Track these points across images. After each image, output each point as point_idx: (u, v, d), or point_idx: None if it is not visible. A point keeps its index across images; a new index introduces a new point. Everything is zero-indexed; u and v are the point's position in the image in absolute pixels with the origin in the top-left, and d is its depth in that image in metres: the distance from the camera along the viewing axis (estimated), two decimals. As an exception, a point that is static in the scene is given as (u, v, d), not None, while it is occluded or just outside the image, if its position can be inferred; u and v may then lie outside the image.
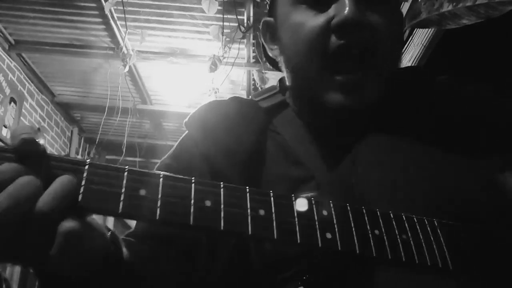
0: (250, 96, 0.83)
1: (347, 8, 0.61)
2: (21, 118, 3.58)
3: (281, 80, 0.80)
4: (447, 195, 0.58)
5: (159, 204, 0.43)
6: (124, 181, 0.43)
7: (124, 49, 3.10)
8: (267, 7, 0.79)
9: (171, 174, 0.46)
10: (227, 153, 0.68)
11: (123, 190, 0.42)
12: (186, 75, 3.55)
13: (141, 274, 0.57)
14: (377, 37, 0.63)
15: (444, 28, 1.40)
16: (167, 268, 0.62)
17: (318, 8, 0.65)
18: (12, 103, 3.45)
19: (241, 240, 0.63)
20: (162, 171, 0.72)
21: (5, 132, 3.43)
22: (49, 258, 0.41)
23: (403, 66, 0.84)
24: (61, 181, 0.41)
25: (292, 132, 0.73)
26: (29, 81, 3.70)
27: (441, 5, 1.34)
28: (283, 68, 0.74)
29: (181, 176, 0.46)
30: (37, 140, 0.42)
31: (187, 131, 0.76)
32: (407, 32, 2.20)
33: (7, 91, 3.35)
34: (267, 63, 0.87)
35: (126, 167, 0.44)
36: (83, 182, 0.42)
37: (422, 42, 2.04)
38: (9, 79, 3.39)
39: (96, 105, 3.92)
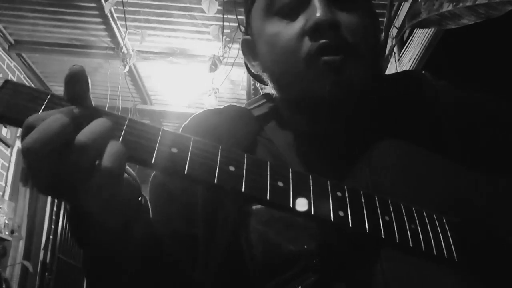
0: (244, 105, 0.84)
1: (318, 11, 0.63)
2: (21, 118, 3.58)
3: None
4: (454, 198, 0.59)
5: (187, 161, 0.47)
6: (159, 138, 0.48)
7: (124, 49, 3.10)
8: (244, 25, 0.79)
9: (201, 139, 0.50)
10: None
11: (157, 144, 0.47)
12: (186, 75, 3.55)
13: (159, 240, 0.60)
14: (351, 35, 0.64)
15: (444, 28, 1.40)
16: (167, 262, 0.63)
17: (290, 17, 0.67)
18: (12, 103, 3.44)
19: (233, 241, 0.63)
20: (157, 179, 0.74)
21: (5, 132, 3.43)
22: (84, 193, 0.45)
23: (402, 70, 0.84)
24: (100, 121, 0.45)
25: (283, 139, 0.73)
26: (29, 81, 3.70)
27: (441, 5, 1.34)
28: (268, 80, 0.74)
29: (209, 142, 0.50)
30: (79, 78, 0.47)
31: None
32: (407, 32, 2.20)
33: (7, 91, 3.35)
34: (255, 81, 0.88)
35: (162, 127, 0.49)
36: (122, 133, 0.47)
37: (422, 42, 2.04)
38: (9, 79, 3.39)
39: (96, 105, 3.92)
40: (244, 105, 0.84)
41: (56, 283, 4.15)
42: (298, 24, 0.65)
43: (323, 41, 0.63)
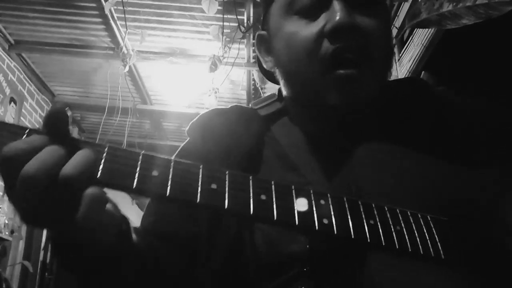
0: (250, 105, 0.84)
1: (338, 14, 0.64)
2: (21, 118, 3.58)
3: (280, 89, 0.81)
4: (442, 199, 0.60)
5: (169, 183, 0.48)
6: (139, 163, 0.48)
7: (124, 49, 3.10)
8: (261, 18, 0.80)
9: (181, 160, 0.50)
10: (225, 156, 0.69)
11: (137, 169, 0.48)
12: (186, 75, 3.56)
13: (145, 260, 0.60)
14: (369, 40, 0.65)
15: (444, 28, 1.40)
16: (165, 264, 0.63)
17: (310, 17, 0.67)
18: (12, 103, 3.45)
19: (237, 240, 0.63)
20: None
21: (5, 132, 3.43)
22: (71, 224, 0.45)
23: (404, 77, 0.85)
24: (83, 153, 0.46)
25: (290, 139, 0.74)
26: (29, 81, 3.70)
27: (441, 5, 1.34)
28: (279, 77, 0.75)
29: (190, 162, 0.51)
30: (61, 114, 0.47)
31: (188, 139, 0.78)
32: (407, 32, 2.20)
33: (7, 91, 3.35)
34: (264, 77, 0.88)
35: (142, 151, 0.50)
36: (102, 160, 0.47)
37: (422, 42, 2.04)
38: (9, 79, 3.39)
39: (96, 105, 3.93)
40: (250, 105, 0.84)
41: (56, 283, 4.15)
42: (318, 25, 0.66)
43: (340, 45, 0.63)
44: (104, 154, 0.48)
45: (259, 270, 0.61)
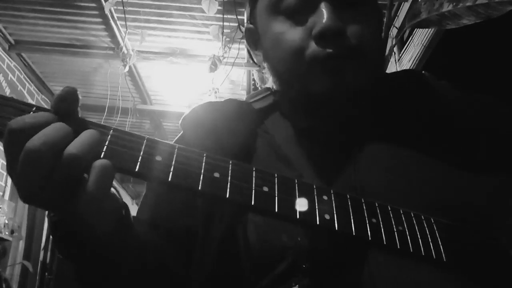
0: (245, 98, 0.84)
1: (325, 18, 0.62)
2: (21, 118, 3.58)
3: None
4: (445, 199, 0.59)
5: (172, 169, 0.48)
6: (143, 147, 0.48)
7: (124, 49, 3.10)
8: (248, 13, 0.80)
9: (185, 147, 0.50)
10: (217, 150, 0.69)
11: (141, 153, 0.48)
12: (186, 75, 3.55)
13: (144, 248, 0.59)
14: (358, 41, 0.64)
15: (444, 28, 1.40)
16: (160, 255, 0.63)
17: (296, 19, 0.66)
18: (12, 103, 3.44)
19: (230, 233, 0.63)
20: None
21: (5, 132, 3.43)
22: (72, 205, 0.44)
23: (402, 70, 0.84)
24: (89, 133, 0.46)
25: (283, 133, 0.73)
26: (29, 81, 3.70)
27: (441, 5, 1.34)
28: (268, 72, 0.75)
29: (194, 149, 0.51)
30: (69, 98, 0.48)
31: (181, 132, 0.78)
32: (407, 32, 2.20)
33: (7, 91, 3.35)
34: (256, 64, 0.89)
35: (146, 136, 0.50)
36: (106, 142, 0.47)
37: (422, 42, 2.05)
38: (9, 79, 3.39)
39: (96, 105, 3.92)
40: (245, 98, 0.84)
41: (56, 283, 4.15)
42: (305, 27, 0.65)
43: (329, 50, 0.63)
44: (109, 136, 0.48)
45: (251, 263, 0.61)
